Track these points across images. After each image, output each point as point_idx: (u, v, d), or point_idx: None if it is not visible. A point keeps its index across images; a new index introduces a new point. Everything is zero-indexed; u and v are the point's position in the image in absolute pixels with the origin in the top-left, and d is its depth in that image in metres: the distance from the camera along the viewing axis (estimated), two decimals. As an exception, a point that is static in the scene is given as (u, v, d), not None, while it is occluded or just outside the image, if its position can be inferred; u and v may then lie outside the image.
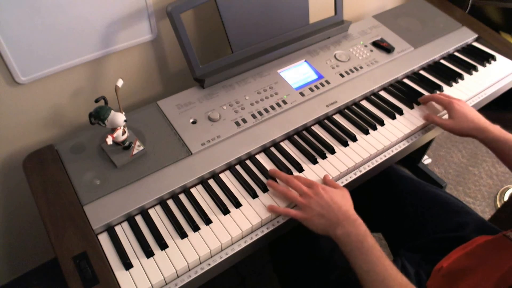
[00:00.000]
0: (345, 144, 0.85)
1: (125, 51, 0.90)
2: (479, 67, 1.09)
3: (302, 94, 0.92)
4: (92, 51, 0.84)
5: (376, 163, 0.84)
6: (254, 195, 0.75)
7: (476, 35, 1.17)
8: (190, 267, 0.66)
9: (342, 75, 0.98)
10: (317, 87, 0.94)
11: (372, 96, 0.98)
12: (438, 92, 1.00)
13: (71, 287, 0.60)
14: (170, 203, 0.73)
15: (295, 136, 0.87)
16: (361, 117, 0.92)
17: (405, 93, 0.99)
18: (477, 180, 1.70)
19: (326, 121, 0.91)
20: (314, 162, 0.81)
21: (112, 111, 0.71)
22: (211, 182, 0.77)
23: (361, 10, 1.34)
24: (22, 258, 1.16)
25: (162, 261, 0.65)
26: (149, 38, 0.91)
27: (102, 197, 0.71)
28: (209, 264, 0.67)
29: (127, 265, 0.64)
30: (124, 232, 0.69)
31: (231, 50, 0.91)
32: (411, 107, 0.95)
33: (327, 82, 0.96)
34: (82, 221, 0.67)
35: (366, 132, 0.88)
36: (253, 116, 0.86)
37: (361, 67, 1.01)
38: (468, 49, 1.15)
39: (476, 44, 1.17)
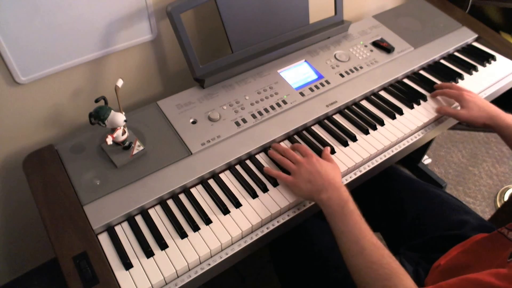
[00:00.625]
0: (345, 144, 0.85)
1: (125, 51, 0.90)
2: (479, 67, 1.09)
3: (302, 94, 0.92)
4: (92, 51, 0.84)
5: (376, 163, 0.85)
6: (254, 195, 0.75)
7: (476, 35, 1.17)
8: (190, 267, 0.66)
9: (342, 75, 0.98)
10: (317, 87, 0.94)
11: (372, 96, 0.98)
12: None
13: (71, 287, 0.60)
14: (170, 203, 0.73)
15: (295, 136, 0.87)
16: (361, 117, 0.92)
17: (405, 93, 0.99)
18: (477, 180, 1.70)
19: (326, 121, 0.91)
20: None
21: (112, 111, 0.71)
22: (211, 182, 0.77)
23: (361, 10, 1.34)
24: (22, 258, 1.16)
25: (162, 261, 0.65)
26: (149, 38, 0.91)
27: (102, 197, 0.71)
28: (209, 264, 0.67)
29: (127, 265, 0.64)
30: (124, 232, 0.68)
31: (231, 50, 0.91)
32: (411, 107, 0.95)
33: (327, 82, 0.96)
34: (82, 221, 0.67)
35: (366, 132, 0.88)
36: (253, 116, 0.86)
37: (361, 67, 1.01)
38: (468, 49, 1.15)
39: (476, 44, 1.17)
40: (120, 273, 0.63)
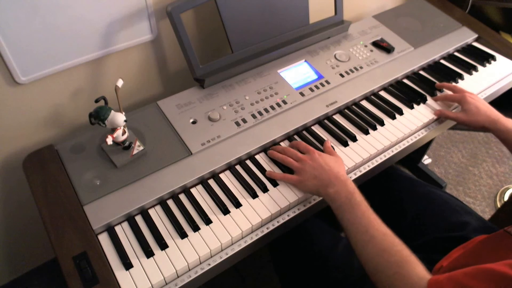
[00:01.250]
0: (345, 144, 0.85)
1: (125, 51, 0.90)
2: (479, 67, 1.09)
3: (302, 94, 0.92)
4: (92, 51, 0.84)
5: (376, 163, 0.85)
6: (254, 195, 0.75)
7: (476, 35, 1.17)
8: (190, 267, 0.66)
9: (342, 75, 0.98)
10: (317, 87, 0.94)
11: (372, 96, 0.98)
12: (439, 93, 1.00)
13: (71, 287, 0.60)
14: (170, 203, 0.73)
15: (295, 136, 0.87)
16: (361, 117, 0.92)
17: (405, 93, 0.99)
18: (477, 180, 1.70)
19: (326, 121, 0.91)
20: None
21: (112, 111, 0.71)
22: (211, 182, 0.77)
23: (361, 10, 1.34)
24: (22, 258, 1.16)
25: (162, 261, 0.65)
26: (149, 38, 0.91)
27: (102, 197, 0.71)
28: (209, 264, 0.67)
29: (127, 265, 0.64)
30: (124, 232, 0.69)
31: (231, 50, 0.91)
32: (411, 107, 0.95)
33: (327, 82, 0.96)
34: (82, 221, 0.67)
35: (366, 132, 0.88)
36: (253, 116, 0.86)
37: (361, 67, 1.01)
38: (468, 49, 1.15)
39: (476, 44, 1.17)
40: (120, 273, 0.63)
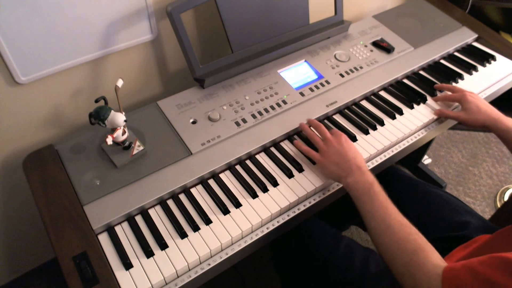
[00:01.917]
0: (345, 144, 0.85)
1: (125, 51, 0.90)
2: (479, 67, 1.09)
3: (302, 94, 0.92)
4: (92, 51, 0.84)
5: (376, 163, 0.85)
6: (254, 195, 0.75)
7: (476, 35, 1.17)
8: (190, 267, 0.66)
9: (342, 75, 0.98)
10: (317, 87, 0.94)
11: (372, 96, 0.98)
12: (439, 93, 1.00)
13: (71, 287, 0.60)
14: (170, 203, 0.73)
15: (295, 136, 0.87)
16: (361, 117, 0.92)
17: (405, 93, 0.99)
18: (477, 180, 1.70)
19: (326, 121, 0.91)
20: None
21: (112, 111, 0.71)
22: (211, 182, 0.77)
23: (361, 10, 1.34)
24: (22, 258, 1.16)
25: (162, 261, 0.65)
26: (149, 38, 0.91)
27: (102, 197, 0.71)
28: (209, 264, 0.67)
29: (127, 265, 0.64)
30: (124, 232, 0.69)
31: (231, 50, 0.91)
32: (411, 107, 0.95)
33: (327, 82, 0.96)
34: (82, 221, 0.67)
35: (366, 132, 0.88)
36: (253, 116, 0.86)
37: (361, 67, 1.01)
38: (468, 49, 1.15)
39: (476, 44, 1.17)
40: (120, 273, 0.63)
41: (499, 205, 1.60)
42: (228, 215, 0.72)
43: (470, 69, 1.07)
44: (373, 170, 0.84)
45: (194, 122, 0.84)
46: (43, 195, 0.71)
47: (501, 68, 1.09)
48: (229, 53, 0.91)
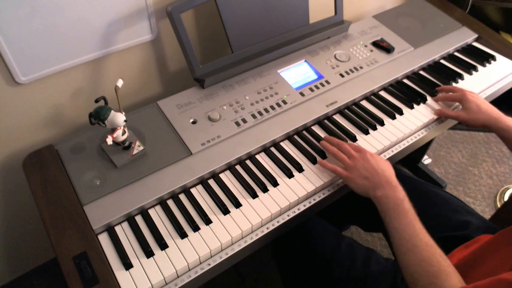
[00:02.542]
0: (345, 144, 0.85)
1: (125, 51, 0.90)
2: (479, 67, 1.09)
3: (302, 94, 0.92)
4: (92, 51, 0.84)
5: (376, 163, 0.84)
6: (254, 195, 0.75)
7: (476, 35, 1.17)
8: (190, 267, 0.66)
9: (342, 75, 0.98)
10: (317, 87, 0.94)
11: (372, 96, 0.98)
12: (439, 94, 1.00)
13: (71, 287, 0.60)
14: (170, 203, 0.73)
15: (295, 136, 0.87)
16: (361, 117, 0.92)
17: (405, 93, 0.99)
18: (477, 180, 1.70)
19: (326, 121, 0.91)
20: (314, 162, 0.81)
21: (112, 111, 0.71)
22: (211, 182, 0.77)
23: (361, 10, 1.34)
24: (22, 258, 1.16)
25: (162, 261, 0.65)
26: (149, 38, 0.91)
27: (102, 197, 0.71)
28: (209, 264, 0.67)
29: (127, 265, 0.64)
30: (124, 232, 0.69)
31: (231, 50, 0.91)
32: (411, 107, 0.95)
33: (327, 82, 0.96)
34: (82, 221, 0.67)
35: (366, 132, 0.88)
36: (253, 116, 0.86)
37: (361, 67, 1.01)
38: (468, 49, 1.15)
39: (476, 44, 1.17)
40: (120, 273, 0.63)
41: (499, 205, 1.60)
42: (228, 215, 0.72)
43: (470, 69, 1.07)
44: (373, 170, 0.84)
45: (194, 122, 0.84)
46: (43, 195, 0.71)
47: (501, 68, 1.09)
48: (229, 53, 0.91)
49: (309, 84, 0.95)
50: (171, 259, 0.65)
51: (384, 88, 1.01)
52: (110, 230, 0.68)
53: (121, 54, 0.90)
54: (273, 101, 0.90)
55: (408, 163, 1.72)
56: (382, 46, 1.06)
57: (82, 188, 0.72)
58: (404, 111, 0.94)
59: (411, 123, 0.91)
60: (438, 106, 0.96)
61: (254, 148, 0.81)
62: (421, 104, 0.96)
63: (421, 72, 1.07)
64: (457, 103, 0.96)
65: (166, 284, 0.64)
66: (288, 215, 0.74)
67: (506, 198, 1.62)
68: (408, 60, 1.06)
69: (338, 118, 0.92)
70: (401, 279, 0.76)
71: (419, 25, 1.17)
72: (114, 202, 0.70)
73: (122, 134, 0.75)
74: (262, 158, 0.82)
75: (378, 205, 0.70)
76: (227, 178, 0.78)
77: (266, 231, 0.72)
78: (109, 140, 0.71)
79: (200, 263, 0.67)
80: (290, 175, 0.78)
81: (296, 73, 0.97)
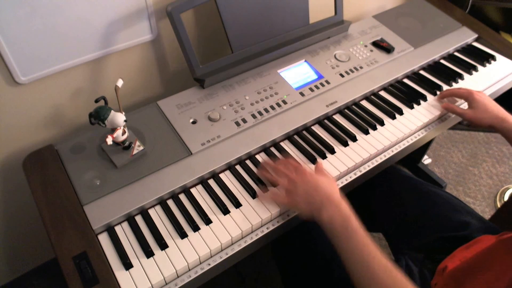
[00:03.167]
0: (345, 144, 0.85)
1: (125, 51, 0.90)
2: (479, 67, 1.09)
3: (302, 94, 0.92)
4: (92, 51, 0.84)
5: (376, 163, 0.84)
6: (254, 195, 0.75)
7: (476, 35, 1.17)
8: (190, 267, 0.66)
9: (342, 75, 0.98)
10: (317, 87, 0.94)
11: (372, 96, 0.98)
12: (438, 93, 1.00)
13: (71, 287, 0.60)
14: (170, 203, 0.73)
15: (295, 136, 0.87)
16: (361, 117, 0.92)
17: (405, 93, 0.99)
18: (477, 180, 1.70)
19: (326, 121, 0.91)
20: (314, 162, 0.81)
21: (112, 111, 0.71)
22: (211, 182, 0.77)
23: (361, 10, 1.34)
24: (22, 258, 1.16)
25: (162, 261, 0.65)
26: (149, 38, 0.91)
27: (102, 197, 0.71)
28: (209, 264, 0.67)
29: (127, 265, 0.64)
30: (124, 232, 0.69)
31: (231, 50, 0.91)
32: (411, 107, 0.95)
33: (327, 82, 0.96)
34: (82, 221, 0.67)
35: (366, 132, 0.88)
36: (253, 116, 0.86)
37: (361, 67, 1.01)
38: (468, 49, 1.15)
39: (476, 44, 1.17)
40: (120, 273, 0.63)
41: (499, 205, 1.60)
42: (228, 215, 0.72)
43: (470, 69, 1.07)
44: (373, 170, 0.84)
45: (194, 122, 0.84)
46: (43, 195, 0.71)
47: (501, 68, 1.09)
48: (229, 53, 0.91)
49: (309, 84, 0.95)
50: (171, 259, 0.65)
51: (384, 88, 1.01)
52: (110, 230, 0.68)
53: (121, 54, 0.90)
54: (273, 101, 0.90)
55: (408, 163, 1.72)
56: (382, 46, 1.06)
57: (82, 188, 0.72)
58: (404, 111, 0.94)
59: (411, 123, 0.91)
60: (439, 107, 0.96)
61: (254, 148, 0.81)
62: (421, 104, 0.96)
63: (421, 72, 1.07)
64: (460, 101, 0.96)
65: (166, 284, 0.64)
66: (288, 215, 0.74)
67: (506, 198, 1.62)
68: (408, 60, 1.06)
69: (338, 118, 0.92)
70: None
71: (419, 25, 1.17)
72: (114, 202, 0.70)
73: (122, 134, 0.75)
74: (262, 158, 0.82)
75: (325, 230, 0.66)
76: (227, 178, 0.78)
77: (266, 231, 0.72)
78: (109, 140, 0.71)
79: (200, 263, 0.67)
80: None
81: (296, 73, 0.97)
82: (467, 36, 1.17)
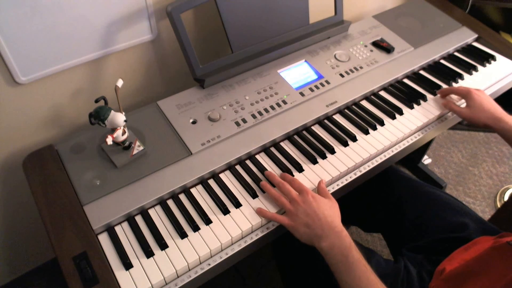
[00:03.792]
0: (345, 144, 0.85)
1: (125, 51, 0.90)
2: (479, 67, 1.09)
3: (302, 94, 0.92)
4: (92, 51, 0.84)
5: (376, 163, 0.84)
6: (254, 195, 0.75)
7: (476, 35, 1.17)
8: (190, 267, 0.66)
9: (342, 75, 0.98)
10: (317, 87, 0.94)
11: (372, 96, 0.98)
12: (439, 95, 1.00)
13: (71, 287, 0.60)
14: (170, 203, 0.73)
15: (295, 136, 0.87)
16: (361, 117, 0.92)
17: (405, 93, 0.99)
18: (477, 180, 1.70)
19: (326, 121, 0.91)
20: (314, 162, 0.81)
21: (112, 111, 0.71)
22: (211, 182, 0.77)
23: (361, 10, 1.34)
24: (22, 258, 1.16)
25: (162, 261, 0.65)
26: (149, 38, 0.91)
27: (102, 197, 0.71)
28: (209, 264, 0.67)
29: (127, 265, 0.64)
30: (124, 232, 0.68)
31: (231, 50, 0.91)
32: (411, 107, 0.95)
33: (327, 82, 0.96)
34: (82, 221, 0.67)
35: (366, 132, 0.88)
36: (253, 116, 0.86)
37: (361, 67, 1.01)
38: (468, 49, 1.15)
39: (476, 44, 1.17)
40: (120, 273, 0.63)
41: (499, 205, 1.60)
42: (228, 215, 0.72)
43: (470, 69, 1.07)
44: (373, 170, 0.84)
45: (194, 122, 0.84)
46: (43, 195, 0.71)
47: (501, 68, 1.09)
48: (229, 53, 0.91)
49: (309, 84, 0.95)
50: (171, 259, 0.65)
51: (384, 88, 1.01)
52: (110, 230, 0.68)
53: (121, 54, 0.90)
54: (273, 101, 0.90)
55: (408, 163, 1.72)
56: (382, 46, 1.06)
57: (82, 188, 0.72)
58: (404, 111, 0.94)
59: (411, 123, 0.91)
60: (438, 107, 0.96)
61: (254, 148, 0.81)
62: (421, 104, 0.96)
63: (421, 72, 1.07)
64: (462, 100, 0.96)
65: (166, 284, 0.64)
66: (288, 215, 0.74)
67: (506, 198, 1.62)
68: (408, 60, 1.06)
69: (338, 118, 0.92)
70: (401, 281, 0.76)
71: (419, 25, 1.17)
72: (114, 202, 0.70)
73: (122, 134, 0.75)
74: (262, 158, 0.82)
75: (325, 257, 0.65)
76: (227, 178, 0.78)
77: (266, 231, 0.72)
78: (109, 140, 0.71)
79: (200, 263, 0.67)
80: (290, 175, 0.78)
81: (296, 73, 0.97)
82: (467, 36, 1.17)
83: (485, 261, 0.67)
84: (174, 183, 0.74)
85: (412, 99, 0.96)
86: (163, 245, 0.67)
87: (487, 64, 1.10)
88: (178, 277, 0.65)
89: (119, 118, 0.72)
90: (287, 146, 0.85)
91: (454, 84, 1.03)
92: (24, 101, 0.83)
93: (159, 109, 0.86)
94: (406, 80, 1.04)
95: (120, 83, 0.74)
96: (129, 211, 0.70)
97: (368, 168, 0.83)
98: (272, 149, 0.84)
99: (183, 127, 0.83)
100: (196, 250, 0.66)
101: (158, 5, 0.87)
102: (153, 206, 0.73)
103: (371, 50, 1.06)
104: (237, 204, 0.73)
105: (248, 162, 0.81)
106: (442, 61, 1.11)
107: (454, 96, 0.97)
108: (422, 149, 1.64)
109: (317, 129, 0.89)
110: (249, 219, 0.71)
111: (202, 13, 0.96)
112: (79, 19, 0.78)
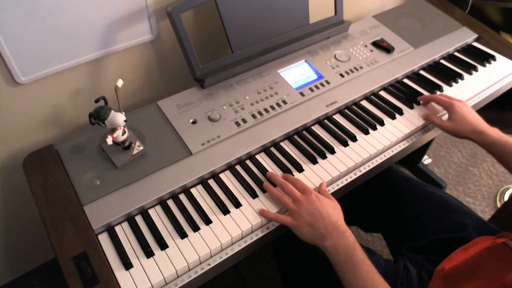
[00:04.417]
0: (345, 144, 0.85)
1: (125, 51, 0.90)
2: (479, 67, 1.09)
3: (302, 94, 0.92)
4: (92, 51, 0.84)
5: (376, 163, 0.84)
6: (254, 195, 0.75)
7: (476, 35, 1.17)
8: (190, 267, 0.66)
9: (342, 75, 0.98)
10: (317, 87, 0.94)
11: (372, 96, 0.98)
12: (438, 92, 1.00)
13: (71, 287, 0.60)
14: (170, 203, 0.73)
15: (295, 136, 0.87)
16: (361, 117, 0.92)
17: (405, 93, 0.99)
18: (477, 180, 1.70)
19: (326, 121, 0.91)
20: (314, 162, 0.81)
21: (112, 111, 0.71)
22: (211, 182, 0.77)
23: (361, 10, 1.34)
24: (22, 258, 1.16)
25: (162, 261, 0.65)
26: (149, 38, 0.91)
27: (102, 197, 0.71)
28: (209, 264, 0.67)
29: (127, 265, 0.64)
30: (124, 232, 0.69)
31: (231, 50, 0.91)
32: (411, 107, 0.95)
33: (327, 82, 0.96)
34: (82, 221, 0.67)
35: (366, 132, 0.88)
36: (253, 116, 0.86)
37: (361, 67, 1.01)
38: (468, 49, 1.15)
39: (476, 44, 1.17)
40: (120, 273, 0.63)
41: (499, 205, 1.60)
42: (228, 215, 0.72)
43: (470, 69, 1.07)
44: (373, 170, 0.84)
45: (194, 122, 0.84)
46: (43, 195, 0.71)
47: (501, 68, 1.09)
48: (229, 53, 0.91)
49: (309, 84, 0.95)
50: (171, 259, 0.65)
51: (384, 88, 1.01)
52: (110, 230, 0.68)
53: (121, 54, 0.90)
54: (273, 101, 0.90)
55: (408, 163, 1.72)
56: (382, 46, 1.06)
57: (82, 188, 0.72)
58: (404, 111, 0.94)
59: (411, 123, 0.91)
60: (438, 106, 0.96)
61: (254, 148, 0.81)
62: (421, 104, 0.96)
63: (421, 72, 1.07)
64: (444, 111, 0.94)
65: (166, 284, 0.64)
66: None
67: (506, 198, 1.62)
68: (408, 60, 1.06)
69: (338, 118, 0.92)
70: (401, 281, 0.76)
71: (419, 25, 1.17)
72: (114, 202, 0.70)
73: (122, 134, 0.75)
74: (262, 158, 0.82)
75: (329, 257, 0.65)
76: (227, 178, 0.78)
77: (266, 231, 0.72)
78: (109, 140, 0.71)
79: (200, 263, 0.67)
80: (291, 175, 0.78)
81: (296, 73, 0.97)
82: (467, 36, 1.17)
83: (482, 261, 0.67)
84: (174, 183, 0.74)
85: (412, 99, 0.96)
86: (163, 245, 0.67)
87: (487, 64, 1.10)
88: (178, 277, 0.65)
89: (119, 118, 0.72)
90: (287, 146, 0.85)
91: (454, 84, 1.03)
92: (24, 101, 0.83)
93: (159, 109, 0.86)
94: (406, 80, 1.04)
95: (120, 83, 0.74)
96: (129, 211, 0.70)
97: (368, 168, 0.83)
98: (272, 149, 0.84)
99: (183, 127, 0.83)
100: (196, 250, 0.66)
101: (158, 5, 0.87)
102: (153, 206, 0.73)
103: (371, 50, 1.06)
104: (237, 204, 0.73)
105: (248, 162, 0.81)
106: (442, 61, 1.11)
107: (436, 106, 0.95)
108: (422, 149, 1.64)
109: (317, 129, 0.89)
110: (249, 219, 0.71)
111: (202, 13, 0.96)
112: (79, 19, 0.78)
